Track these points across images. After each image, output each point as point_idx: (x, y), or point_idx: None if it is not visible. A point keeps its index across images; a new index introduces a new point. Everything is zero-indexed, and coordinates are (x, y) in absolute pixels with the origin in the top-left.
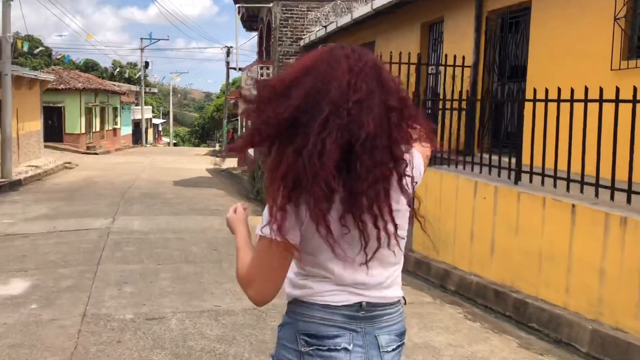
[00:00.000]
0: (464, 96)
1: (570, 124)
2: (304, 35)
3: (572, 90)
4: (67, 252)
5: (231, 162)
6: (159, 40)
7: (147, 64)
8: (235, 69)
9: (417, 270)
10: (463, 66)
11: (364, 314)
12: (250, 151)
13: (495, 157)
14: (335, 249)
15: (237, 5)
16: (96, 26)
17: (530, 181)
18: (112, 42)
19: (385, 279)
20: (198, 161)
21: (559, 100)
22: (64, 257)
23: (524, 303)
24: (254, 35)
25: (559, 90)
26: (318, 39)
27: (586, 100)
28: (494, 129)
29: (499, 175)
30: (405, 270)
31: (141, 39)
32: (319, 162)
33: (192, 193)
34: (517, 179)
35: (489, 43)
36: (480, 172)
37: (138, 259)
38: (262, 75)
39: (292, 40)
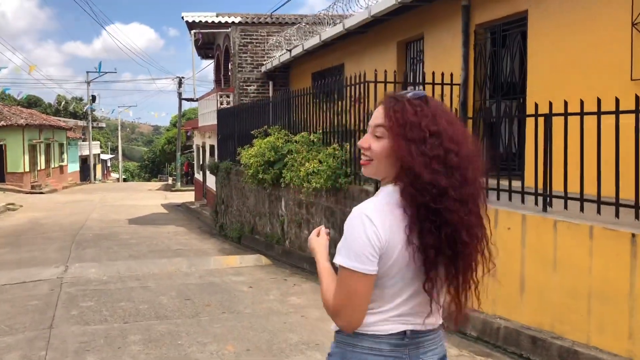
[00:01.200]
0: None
1: (581, 139)
2: (265, 60)
3: (580, 102)
4: (11, 312)
5: (187, 197)
6: (107, 73)
7: (94, 98)
8: (187, 99)
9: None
10: (452, 84)
11: (408, 341)
12: (211, 185)
13: (491, 181)
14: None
15: (193, 31)
16: (38, 61)
17: (565, 207)
18: (55, 77)
19: (427, 308)
20: (151, 197)
21: (582, 114)
22: (7, 320)
23: (574, 352)
24: (210, 63)
25: (582, 103)
26: (281, 63)
27: (599, 113)
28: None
29: (522, 201)
30: None
31: (87, 72)
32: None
33: (149, 232)
34: (546, 205)
35: (478, 58)
36: (498, 199)
37: (100, 318)
38: (221, 103)
39: (252, 66)
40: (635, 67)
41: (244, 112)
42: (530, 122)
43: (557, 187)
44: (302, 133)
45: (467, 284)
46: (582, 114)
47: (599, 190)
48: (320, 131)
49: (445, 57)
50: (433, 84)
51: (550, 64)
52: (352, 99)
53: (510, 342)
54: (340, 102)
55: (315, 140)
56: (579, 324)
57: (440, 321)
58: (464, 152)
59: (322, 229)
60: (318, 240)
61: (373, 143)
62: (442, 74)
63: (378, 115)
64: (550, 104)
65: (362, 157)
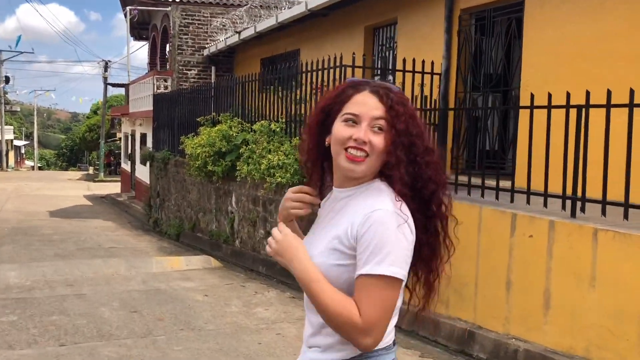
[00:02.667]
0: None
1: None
2: (207, 43)
3: (586, 93)
4: None
5: (112, 188)
6: (22, 52)
7: (7, 79)
8: (116, 84)
9: (418, 329)
10: (432, 73)
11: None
12: (142, 176)
13: (476, 180)
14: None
15: (129, 7)
16: None
17: (603, 213)
18: None
19: None
20: (72, 187)
21: (587, 106)
22: None
23: None
24: (142, 45)
25: (588, 94)
26: (228, 47)
27: (609, 106)
28: (470, 147)
29: (545, 205)
30: (397, 328)
31: (0, 50)
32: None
33: (74, 226)
34: (575, 210)
35: (462, 46)
36: (497, 198)
37: (27, 338)
38: (158, 88)
39: (193, 49)
40: None
41: (187, 97)
42: (524, 116)
43: (553, 188)
44: (262, 122)
45: (436, 272)
46: (587, 106)
47: (604, 190)
48: (283, 120)
49: (423, 45)
50: (413, 72)
51: (551, 53)
52: (324, 85)
53: None
54: (306, 89)
55: (277, 129)
56: (626, 351)
57: None
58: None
59: (282, 227)
60: (291, 241)
61: (372, 137)
62: (423, 62)
63: (375, 106)
64: (550, 95)
65: (355, 152)
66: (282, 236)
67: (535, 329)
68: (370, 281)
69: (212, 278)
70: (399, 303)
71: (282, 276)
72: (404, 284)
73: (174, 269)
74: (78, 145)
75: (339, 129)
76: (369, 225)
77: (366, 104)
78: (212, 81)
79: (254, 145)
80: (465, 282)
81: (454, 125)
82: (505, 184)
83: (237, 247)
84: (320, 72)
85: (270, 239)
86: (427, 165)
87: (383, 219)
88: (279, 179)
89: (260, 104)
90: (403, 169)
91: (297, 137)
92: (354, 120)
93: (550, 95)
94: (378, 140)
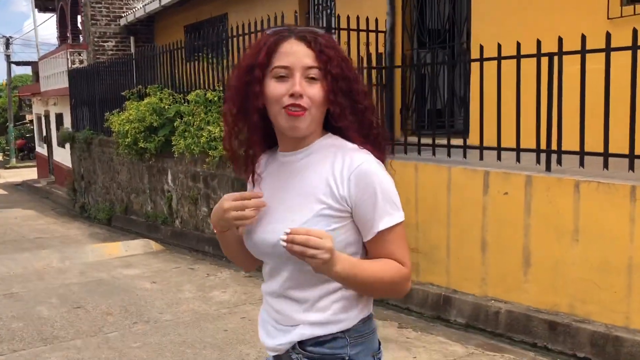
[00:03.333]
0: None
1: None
2: (124, 12)
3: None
4: None
5: (27, 174)
6: None
7: None
8: (19, 62)
9: (383, 299)
10: (377, 31)
11: None
12: (61, 159)
13: (426, 140)
14: None
15: None
16: None
17: (582, 164)
18: None
19: None
20: None
21: (538, 55)
22: None
23: (614, 339)
24: (50, 16)
25: (539, 43)
26: (147, 14)
27: (561, 53)
28: (419, 106)
29: (518, 160)
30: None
31: None
32: None
33: None
34: (550, 164)
35: (407, 2)
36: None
37: None
38: (73, 62)
39: (109, 19)
40: (613, 3)
41: (107, 70)
42: (475, 70)
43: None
44: (197, 91)
45: None
46: (560, 53)
47: (582, 140)
48: (220, 88)
49: (365, 2)
50: (358, 30)
51: (501, 6)
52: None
53: (518, 329)
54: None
55: (214, 99)
56: (613, 303)
57: None
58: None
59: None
60: (323, 241)
61: (309, 88)
62: (367, 19)
63: (305, 54)
64: (499, 45)
65: (292, 108)
66: (327, 238)
67: (516, 289)
68: (392, 232)
69: (156, 262)
70: None
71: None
72: None
73: (113, 256)
74: None
75: (272, 86)
76: (365, 183)
77: (295, 53)
78: (132, 52)
79: (189, 118)
80: (435, 246)
81: (402, 85)
82: (457, 142)
83: (177, 228)
84: (255, 35)
85: (316, 251)
86: (369, 110)
87: (371, 170)
88: (222, 152)
89: (192, 72)
90: (350, 116)
91: None
92: (285, 74)
93: (500, 46)
94: (315, 91)
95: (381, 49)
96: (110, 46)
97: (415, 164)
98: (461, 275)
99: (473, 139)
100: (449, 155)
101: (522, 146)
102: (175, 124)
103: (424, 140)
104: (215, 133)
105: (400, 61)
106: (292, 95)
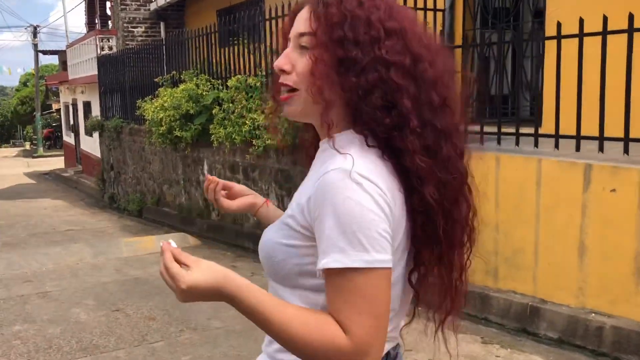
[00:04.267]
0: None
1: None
2: None
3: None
4: None
5: (55, 163)
6: None
7: None
8: (47, 52)
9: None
10: (435, 10)
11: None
12: (89, 148)
13: (490, 129)
14: None
15: None
16: None
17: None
18: None
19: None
20: (9, 165)
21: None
22: None
23: None
24: (78, 3)
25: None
26: None
27: None
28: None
29: (535, 145)
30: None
31: None
32: None
33: (21, 208)
34: None
35: None
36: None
37: None
38: (102, 49)
39: (139, 3)
40: None
41: (139, 56)
42: (551, 49)
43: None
44: (237, 76)
45: (456, 264)
46: (630, 30)
47: None
48: (263, 73)
49: None
50: (415, 8)
51: None
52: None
53: (628, 348)
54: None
55: (257, 84)
56: None
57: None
58: (441, 64)
59: (171, 244)
60: (210, 271)
61: (298, 60)
62: None
63: (302, 19)
64: (581, 20)
65: (282, 89)
66: (192, 272)
67: (624, 302)
68: (341, 278)
69: None
70: (395, 297)
71: None
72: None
73: (148, 251)
74: (10, 120)
75: None
76: (319, 201)
77: (297, 20)
78: (162, 38)
79: (230, 105)
80: (519, 249)
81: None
82: (525, 130)
83: (214, 221)
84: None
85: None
86: (403, 96)
87: (331, 183)
88: (268, 141)
89: (231, 57)
90: (356, 98)
91: None
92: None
93: (582, 21)
94: (302, 63)
95: (439, 30)
96: (140, 32)
97: (496, 155)
98: (552, 283)
99: (546, 127)
100: (517, 144)
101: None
102: (214, 112)
103: (486, 129)
104: (259, 121)
105: (461, 42)
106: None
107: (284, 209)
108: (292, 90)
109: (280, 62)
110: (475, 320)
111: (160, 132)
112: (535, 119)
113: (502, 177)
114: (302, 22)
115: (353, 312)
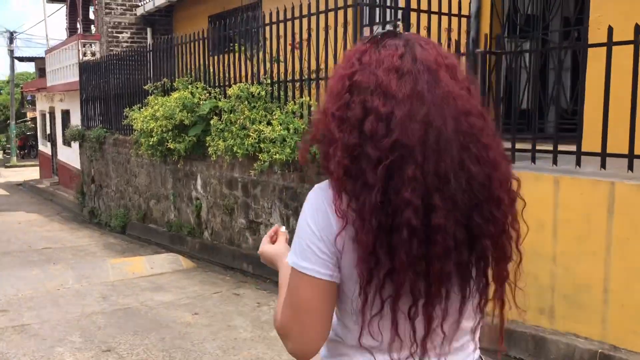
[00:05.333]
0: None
1: None
2: (141, 1)
3: None
4: None
5: (29, 174)
6: None
7: None
8: (21, 58)
9: (511, 347)
10: (460, 16)
11: None
12: (66, 159)
13: (522, 145)
14: None
15: None
16: None
17: None
18: None
19: None
20: None
21: None
22: None
23: None
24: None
25: None
26: (168, 2)
27: None
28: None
29: (577, 164)
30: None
31: None
32: None
33: None
34: None
35: None
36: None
37: None
38: (84, 55)
39: (124, 8)
40: None
41: (125, 63)
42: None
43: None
44: (239, 84)
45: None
46: None
47: None
48: (268, 81)
49: None
50: (439, 13)
51: None
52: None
53: None
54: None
55: (261, 93)
56: None
57: None
58: (405, 113)
59: (279, 228)
60: (275, 247)
61: None
62: (449, 1)
63: None
64: (637, 26)
65: None
66: (268, 246)
67: None
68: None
69: (190, 285)
70: (325, 309)
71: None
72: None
73: (137, 275)
74: None
75: None
76: None
77: None
78: (149, 44)
79: (230, 115)
80: (584, 286)
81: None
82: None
83: (207, 240)
84: (299, 21)
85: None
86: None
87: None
88: (277, 156)
89: (230, 64)
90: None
91: (293, 102)
92: None
93: (638, 27)
94: None
95: (464, 36)
96: (125, 37)
97: (555, 177)
98: (628, 327)
99: (587, 144)
100: (578, 164)
101: None
102: (212, 122)
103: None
104: (266, 133)
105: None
106: None
107: (290, 229)
108: None
109: None
110: None
111: (150, 143)
112: (578, 135)
113: (563, 201)
114: None
115: (283, 301)
